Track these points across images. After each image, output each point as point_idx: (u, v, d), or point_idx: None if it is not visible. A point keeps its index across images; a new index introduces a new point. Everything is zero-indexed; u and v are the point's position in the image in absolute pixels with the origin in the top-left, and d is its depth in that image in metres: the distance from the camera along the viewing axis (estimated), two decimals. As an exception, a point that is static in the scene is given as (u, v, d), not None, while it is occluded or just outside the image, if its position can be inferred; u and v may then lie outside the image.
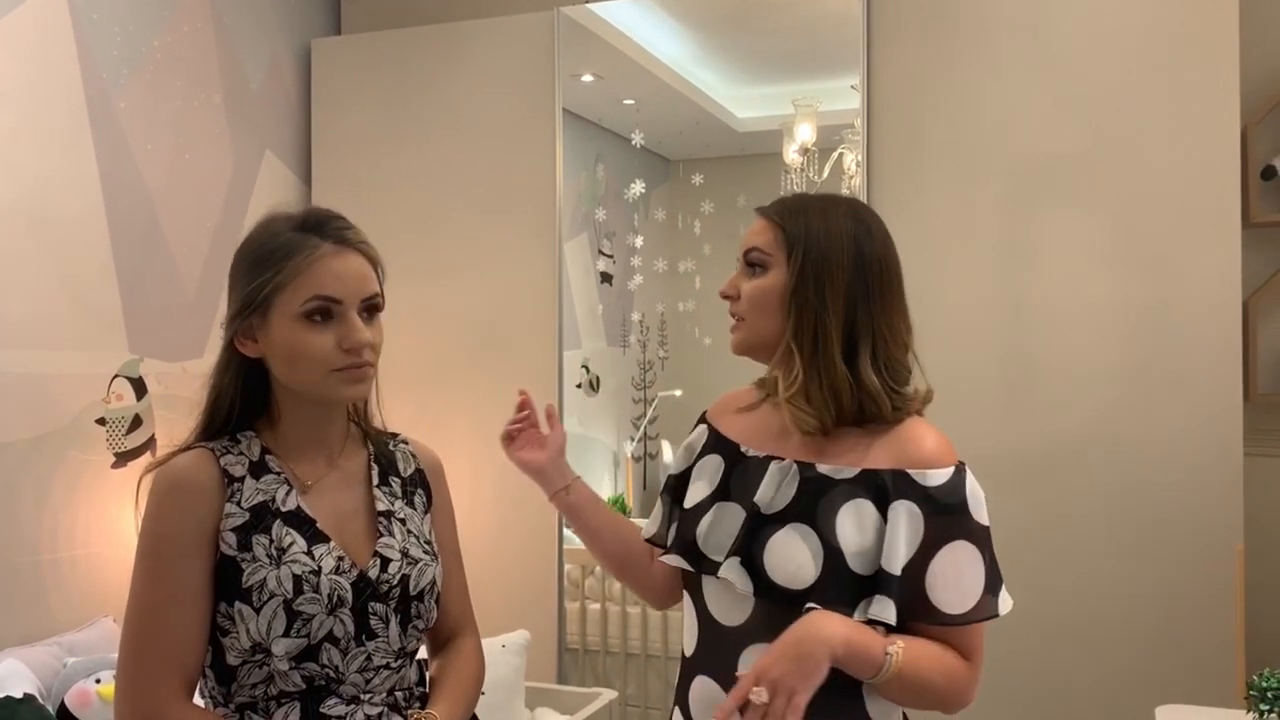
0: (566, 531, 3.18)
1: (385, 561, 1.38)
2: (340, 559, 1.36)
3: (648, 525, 1.58)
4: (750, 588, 1.37)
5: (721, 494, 1.47)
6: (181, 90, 3.11)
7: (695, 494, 1.51)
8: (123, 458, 2.89)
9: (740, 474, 1.47)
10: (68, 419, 2.78)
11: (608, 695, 2.37)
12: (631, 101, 3.64)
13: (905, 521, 1.34)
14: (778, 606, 1.36)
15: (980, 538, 1.38)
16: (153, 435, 2.98)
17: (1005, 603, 1.40)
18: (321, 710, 1.33)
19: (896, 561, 1.32)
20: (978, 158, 2.88)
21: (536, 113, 3.27)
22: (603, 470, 3.60)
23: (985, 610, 1.37)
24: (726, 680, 1.40)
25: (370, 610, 1.36)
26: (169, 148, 3.07)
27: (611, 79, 3.64)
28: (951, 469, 1.39)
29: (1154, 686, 2.60)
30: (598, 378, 3.63)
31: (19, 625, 2.59)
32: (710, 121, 3.72)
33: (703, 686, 1.45)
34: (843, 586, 1.34)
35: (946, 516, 1.35)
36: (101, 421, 2.87)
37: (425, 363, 3.34)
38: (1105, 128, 2.75)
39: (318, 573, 1.33)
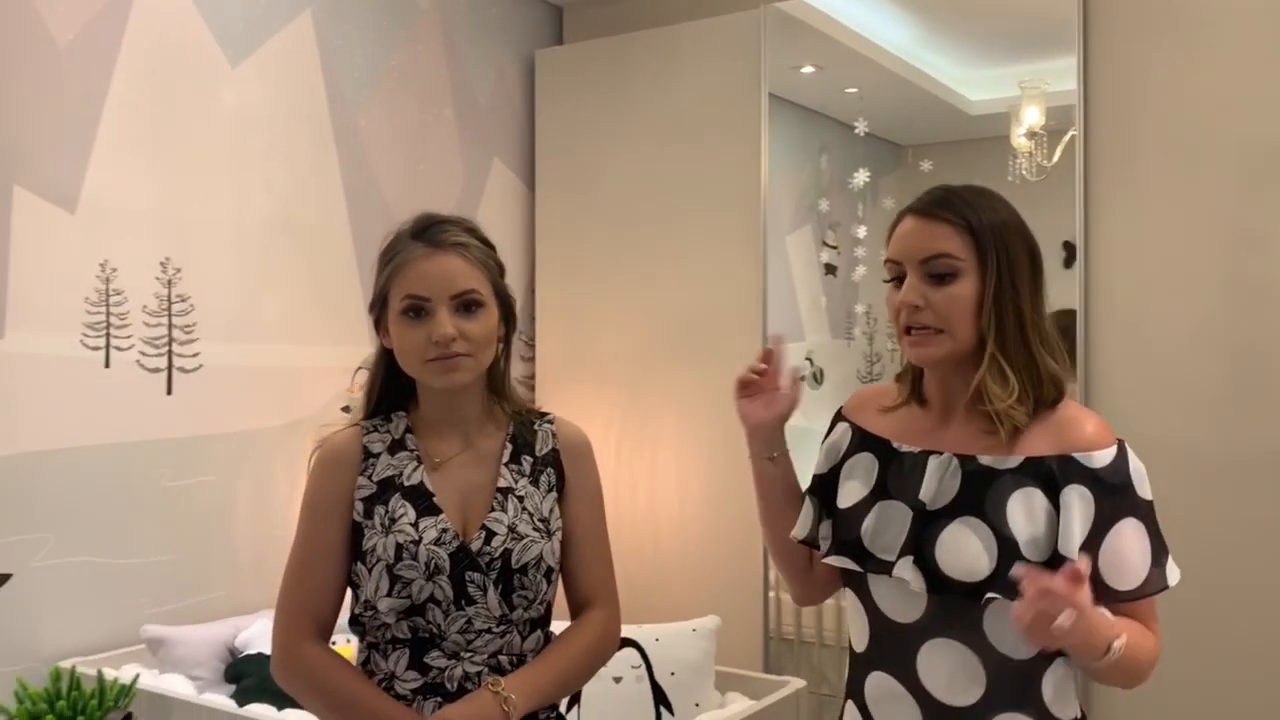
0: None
1: (490, 535, 1.48)
2: (444, 530, 1.47)
3: (798, 527, 1.56)
4: (924, 585, 1.38)
5: (880, 492, 1.47)
6: (415, 106, 3.38)
7: (850, 493, 1.50)
8: (364, 443, 3.19)
9: (897, 471, 1.47)
10: (316, 407, 3.09)
11: (796, 684, 2.41)
12: (854, 90, 3.62)
13: (1078, 505, 1.34)
14: (954, 600, 1.38)
15: (1145, 513, 1.39)
16: (391, 423, 3.27)
17: (1174, 574, 1.42)
18: (425, 660, 1.47)
19: (1073, 545, 1.33)
20: (1203, 139, 2.69)
21: (743, 109, 3.33)
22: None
23: (1155, 584, 1.39)
24: (905, 676, 1.42)
25: (468, 579, 1.46)
26: (405, 160, 3.35)
27: (831, 69, 3.64)
28: (1114, 449, 1.39)
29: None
30: (821, 370, 3.64)
31: (274, 589, 2.89)
32: (939, 106, 3.64)
33: (879, 682, 1.46)
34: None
35: (1114, 496, 1.36)
36: (346, 409, 3.17)
37: (637, 356, 3.47)
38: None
39: (418, 542, 1.46)
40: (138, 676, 2.29)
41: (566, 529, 1.55)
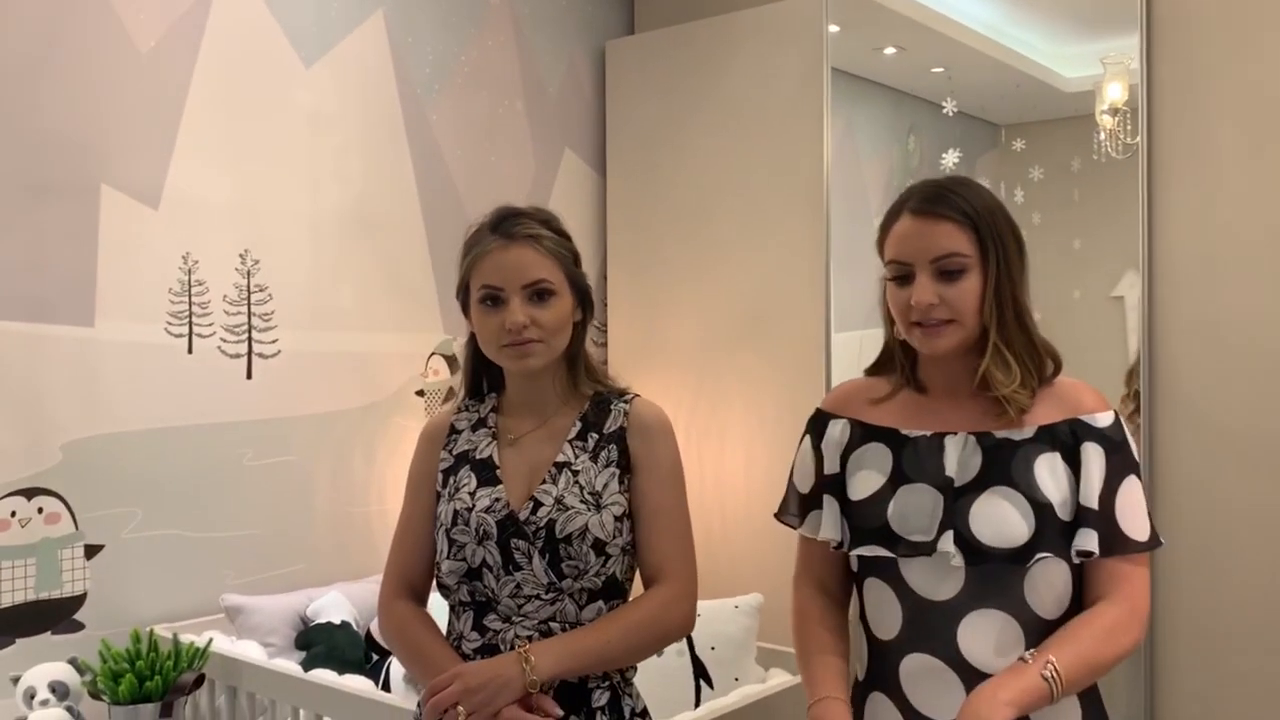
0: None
1: (537, 505, 1.56)
2: (496, 500, 1.58)
3: (827, 531, 1.55)
4: (964, 560, 1.42)
5: (899, 478, 1.49)
6: (487, 99, 3.49)
7: (865, 484, 1.52)
8: (437, 425, 3.33)
9: (912, 455, 1.50)
10: (392, 390, 3.24)
11: (836, 661, 2.43)
12: (941, 69, 3.58)
13: (1095, 459, 1.44)
14: (993, 570, 1.43)
15: (1139, 473, 1.48)
16: (464, 406, 3.40)
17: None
18: (484, 623, 1.58)
19: (1093, 496, 1.42)
20: (1272, 116, 2.60)
21: (807, 93, 3.33)
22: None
23: (1157, 537, 1.47)
24: (946, 652, 1.44)
25: (514, 546, 1.56)
26: (476, 152, 3.46)
27: (914, 50, 3.61)
28: (1112, 413, 1.48)
29: None
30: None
31: (350, 563, 3.07)
32: (1033, 84, 3.57)
33: (917, 663, 1.47)
34: (1055, 536, 1.42)
35: (1119, 455, 1.45)
36: (420, 393, 3.31)
37: (706, 341, 3.51)
38: None
39: (471, 509, 1.58)
40: (211, 640, 2.46)
41: (635, 504, 1.60)
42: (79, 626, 2.60)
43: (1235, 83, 2.65)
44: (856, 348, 3.36)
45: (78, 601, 2.61)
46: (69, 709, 2.36)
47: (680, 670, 2.43)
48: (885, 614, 1.50)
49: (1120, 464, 1.44)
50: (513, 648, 1.52)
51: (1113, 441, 1.45)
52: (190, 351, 2.80)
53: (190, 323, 2.80)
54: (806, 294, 3.28)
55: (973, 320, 1.45)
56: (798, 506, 1.61)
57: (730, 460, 3.42)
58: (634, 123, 3.73)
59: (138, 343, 2.71)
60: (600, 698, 1.57)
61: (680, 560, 1.60)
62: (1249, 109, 2.63)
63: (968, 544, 1.41)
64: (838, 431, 1.58)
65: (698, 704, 2.41)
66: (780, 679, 2.41)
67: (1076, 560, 1.43)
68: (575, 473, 1.59)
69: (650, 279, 3.67)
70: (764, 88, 3.41)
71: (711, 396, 3.48)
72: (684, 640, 2.46)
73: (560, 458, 1.60)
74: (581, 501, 1.56)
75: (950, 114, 3.29)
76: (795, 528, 1.62)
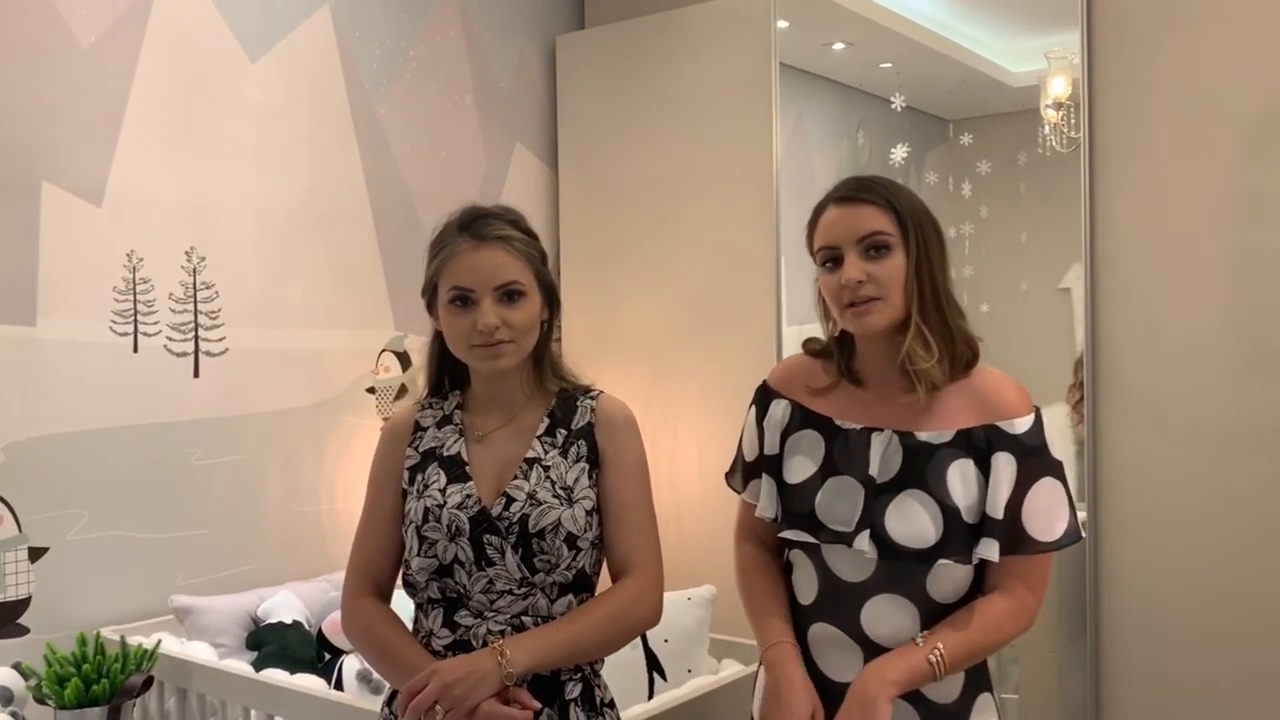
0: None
1: (509, 501, 1.58)
2: (468, 496, 1.59)
3: (765, 507, 1.66)
4: (876, 553, 1.53)
5: (830, 469, 1.60)
6: (436, 93, 3.48)
7: (798, 469, 1.63)
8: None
9: (842, 447, 1.59)
10: (342, 388, 3.21)
11: (787, 651, 2.45)
12: (889, 64, 3.61)
13: (1005, 470, 1.51)
14: (902, 564, 1.53)
15: (1059, 472, 1.54)
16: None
17: (1080, 528, 1.56)
18: (455, 619, 1.59)
19: (999, 506, 1.50)
20: (1210, 107, 2.65)
21: (755, 89, 3.35)
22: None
23: (1072, 535, 1.53)
24: (849, 626, 1.57)
25: (487, 541, 1.57)
26: (426, 147, 3.44)
27: (863, 45, 3.64)
28: (1032, 416, 1.54)
29: None
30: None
31: (300, 563, 3.05)
32: (979, 78, 3.61)
33: (822, 630, 1.60)
34: (960, 539, 1.51)
35: (1034, 458, 1.52)
36: (371, 390, 3.29)
37: (659, 334, 3.52)
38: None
39: (442, 506, 1.59)
40: (159, 642, 2.43)
41: (603, 499, 1.64)
42: (24, 631, 2.56)
43: (1174, 77, 2.71)
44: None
45: (22, 605, 2.57)
46: (14, 714, 2.33)
47: (633, 663, 2.44)
48: (804, 584, 1.63)
49: (1035, 467, 1.52)
50: (485, 643, 1.55)
51: (1027, 447, 1.51)
52: (136, 350, 2.76)
53: (135, 321, 2.77)
54: (758, 287, 3.30)
55: (899, 298, 1.53)
56: (742, 473, 1.73)
57: (684, 453, 3.43)
58: (585, 117, 3.73)
59: (81, 341, 2.67)
60: (573, 690, 1.61)
61: (648, 553, 1.64)
62: (1188, 103, 2.69)
63: (882, 540, 1.52)
64: (780, 412, 1.67)
65: (651, 696, 2.42)
66: (732, 669, 2.43)
67: (975, 561, 1.53)
68: (546, 468, 1.62)
69: (603, 272, 3.68)
70: (714, 83, 3.42)
71: (665, 390, 3.49)
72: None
73: (530, 453, 1.63)
74: (554, 496, 1.60)
75: (899, 109, 3.32)
76: (739, 492, 1.75)
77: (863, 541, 1.53)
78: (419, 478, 1.63)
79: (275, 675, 2.35)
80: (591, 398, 1.69)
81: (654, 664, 2.45)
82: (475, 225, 1.62)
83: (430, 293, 1.66)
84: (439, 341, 1.69)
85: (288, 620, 2.69)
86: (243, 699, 2.34)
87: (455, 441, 1.65)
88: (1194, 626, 2.65)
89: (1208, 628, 2.63)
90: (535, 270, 1.64)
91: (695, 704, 2.15)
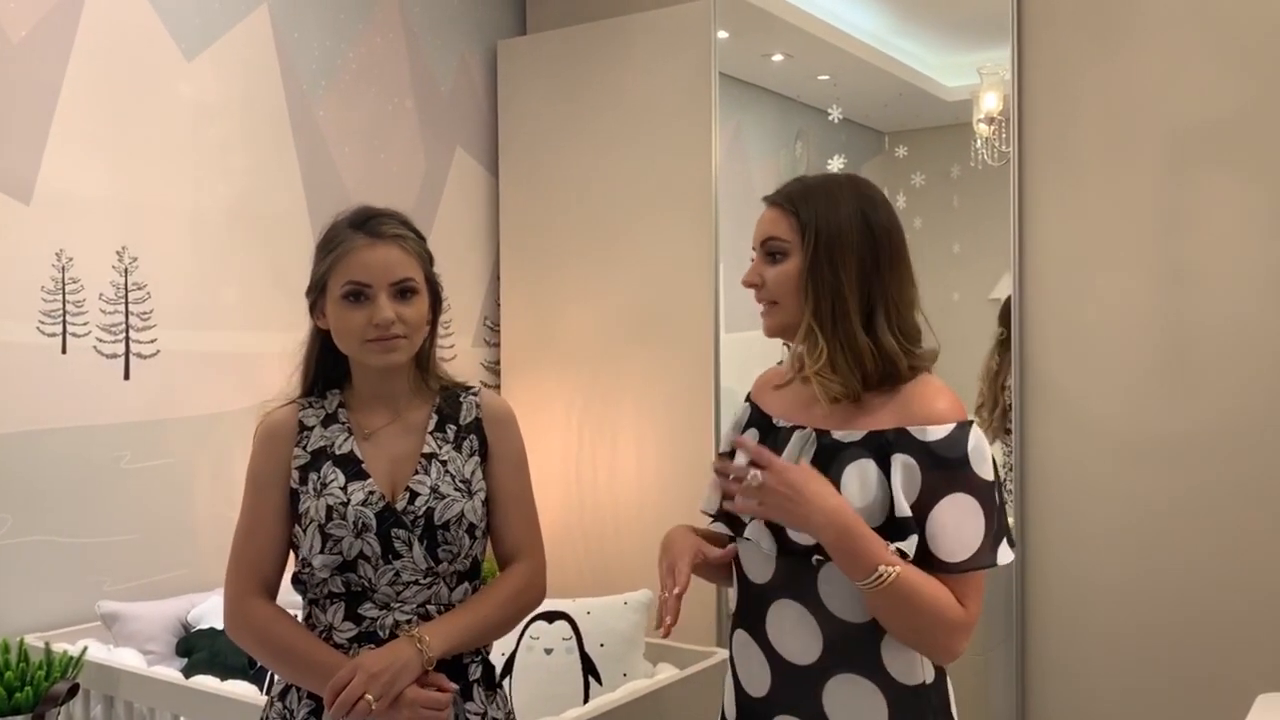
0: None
1: (414, 495, 1.62)
2: (370, 493, 1.62)
3: (707, 502, 1.68)
4: (774, 548, 1.51)
5: (756, 464, 1.56)
6: (375, 96, 3.45)
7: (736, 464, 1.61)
8: (325, 426, 3.28)
9: (771, 444, 1.57)
10: (275, 391, 3.15)
11: (721, 654, 2.48)
12: (826, 77, 3.66)
13: (901, 473, 1.43)
14: (795, 563, 1.49)
15: (982, 491, 1.43)
16: (352, 407, 3.35)
17: (1004, 555, 1.45)
18: (359, 611, 1.62)
19: (904, 507, 1.42)
20: (1134, 123, 2.74)
21: (695, 99, 3.38)
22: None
23: (982, 560, 1.42)
24: (757, 634, 1.55)
25: (394, 535, 1.60)
26: (364, 149, 3.42)
27: (801, 57, 3.69)
28: (953, 425, 1.44)
29: (1260, 675, 2.46)
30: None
31: (233, 569, 3.00)
32: (914, 92, 3.67)
33: (740, 638, 1.60)
34: None
35: (945, 470, 1.42)
36: (307, 394, 3.25)
37: (598, 341, 3.53)
38: (1270, 90, 2.55)
39: (346, 504, 1.61)
40: (85, 649, 2.38)
41: (491, 491, 1.70)
42: (-57, 637, 2.49)
43: (1101, 93, 2.79)
44: (746, 349, 3.42)
45: (-58, 611, 2.51)
46: (-68, 723, 2.27)
47: (569, 667, 2.45)
48: (735, 589, 1.64)
49: (946, 480, 1.41)
50: (393, 634, 1.59)
51: (938, 457, 1.42)
52: (64, 351, 2.71)
53: (64, 321, 2.71)
54: (697, 294, 3.33)
55: (792, 303, 1.52)
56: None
57: (622, 458, 3.45)
58: (526, 122, 3.73)
59: (7, 342, 2.61)
60: (475, 671, 1.68)
61: (535, 539, 1.74)
62: (1114, 118, 2.77)
63: (776, 535, 1.50)
64: (740, 413, 1.69)
65: (586, 700, 2.43)
66: (668, 673, 2.44)
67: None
68: (444, 463, 1.67)
69: (542, 278, 3.68)
70: (654, 91, 3.44)
71: (604, 395, 3.50)
72: (574, 638, 2.50)
73: (427, 449, 1.67)
74: (455, 489, 1.65)
75: (836, 120, 3.37)
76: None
77: (753, 530, 1.52)
78: (313, 476, 1.64)
79: (205, 682, 2.32)
80: (474, 394, 1.75)
81: (590, 669, 2.46)
82: (370, 224, 1.65)
83: (318, 291, 1.68)
84: (318, 341, 1.73)
85: (219, 626, 2.65)
86: (171, 706, 2.30)
87: (345, 440, 1.67)
88: (1116, 633, 2.73)
89: (1129, 634, 2.71)
90: (425, 270, 1.68)
91: (630, 707, 2.16)
